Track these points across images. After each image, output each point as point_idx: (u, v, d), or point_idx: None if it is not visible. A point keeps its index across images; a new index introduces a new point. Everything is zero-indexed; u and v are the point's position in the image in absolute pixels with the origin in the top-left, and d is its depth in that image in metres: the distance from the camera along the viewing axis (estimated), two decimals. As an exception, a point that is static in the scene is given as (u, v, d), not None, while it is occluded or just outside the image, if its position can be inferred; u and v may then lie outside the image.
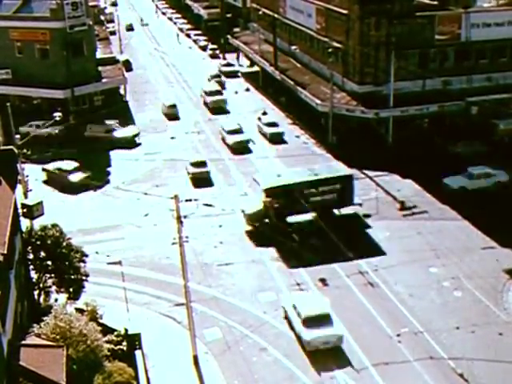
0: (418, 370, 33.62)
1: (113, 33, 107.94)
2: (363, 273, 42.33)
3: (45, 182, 57.93)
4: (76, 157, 61.74)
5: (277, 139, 65.89)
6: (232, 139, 64.28)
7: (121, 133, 67.37)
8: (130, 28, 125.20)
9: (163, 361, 35.05)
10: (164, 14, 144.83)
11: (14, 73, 72.63)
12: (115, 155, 64.16)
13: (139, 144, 66.80)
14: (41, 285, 35.15)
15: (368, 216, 49.74)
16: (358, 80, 63.13)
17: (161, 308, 39.84)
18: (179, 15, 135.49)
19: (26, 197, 45.16)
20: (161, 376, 33.97)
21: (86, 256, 36.20)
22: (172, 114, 74.37)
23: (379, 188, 54.12)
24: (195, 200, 53.00)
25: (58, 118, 53.92)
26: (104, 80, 75.66)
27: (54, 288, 35.46)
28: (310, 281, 41.77)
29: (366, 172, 56.80)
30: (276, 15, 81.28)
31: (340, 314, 38.00)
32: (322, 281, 41.85)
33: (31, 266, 34.83)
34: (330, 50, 64.01)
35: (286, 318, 37.41)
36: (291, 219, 46.72)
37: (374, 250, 44.92)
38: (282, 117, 72.88)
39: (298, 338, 35.82)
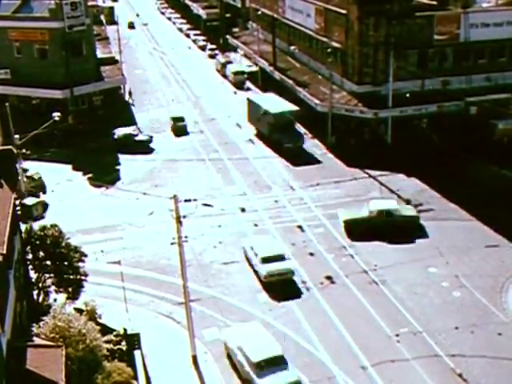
0: (417, 370, 33.63)
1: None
2: (364, 272, 42.43)
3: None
4: (75, 157, 62.05)
5: None
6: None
7: None
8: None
9: (162, 361, 35.06)
10: (163, 13, 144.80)
11: (13, 73, 72.50)
12: (114, 155, 64.23)
13: None
14: (40, 285, 35.13)
15: None
16: (357, 80, 63.16)
17: (160, 308, 39.85)
18: (178, 15, 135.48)
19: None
20: (160, 376, 33.99)
21: (85, 256, 36.18)
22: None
23: (383, 187, 54.24)
24: (194, 200, 53.01)
25: (56, 119, 53.91)
26: (105, 80, 75.65)
27: (53, 288, 35.46)
28: (310, 280, 41.85)
29: (368, 171, 57.02)
30: (275, 15, 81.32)
31: (339, 313, 38.15)
32: (329, 278, 41.99)
33: (30, 266, 34.84)
34: (329, 49, 64.08)
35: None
36: None
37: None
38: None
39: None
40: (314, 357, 35.04)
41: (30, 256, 34.66)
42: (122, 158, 63.18)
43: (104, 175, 57.64)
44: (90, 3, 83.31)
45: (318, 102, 64.22)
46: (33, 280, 35.05)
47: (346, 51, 63.78)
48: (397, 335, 36.43)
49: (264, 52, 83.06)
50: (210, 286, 41.77)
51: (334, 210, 50.59)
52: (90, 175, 58.01)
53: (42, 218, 47.73)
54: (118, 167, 61.24)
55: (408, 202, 50.99)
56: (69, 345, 28.67)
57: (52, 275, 34.96)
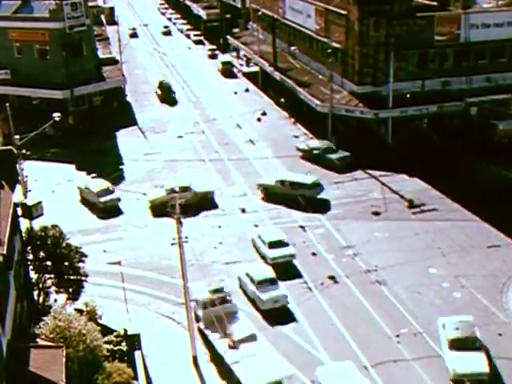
0: (418, 371, 33.62)
1: None
2: (365, 272, 42.41)
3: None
4: (74, 157, 62.02)
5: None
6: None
7: None
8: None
9: (163, 361, 35.02)
10: (163, 14, 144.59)
11: (13, 73, 72.59)
12: (114, 156, 64.22)
13: None
14: (40, 285, 35.14)
15: (377, 214, 49.89)
16: (357, 80, 63.13)
17: (160, 308, 39.82)
18: (178, 15, 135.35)
19: (25, 197, 45.14)
20: (160, 376, 33.96)
21: (86, 256, 36.18)
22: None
23: (385, 187, 54.23)
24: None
25: (57, 119, 53.85)
26: (106, 80, 75.63)
27: (53, 288, 35.45)
28: (310, 281, 41.84)
29: (369, 172, 57.00)
30: (275, 16, 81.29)
31: (339, 313, 38.14)
32: (332, 278, 42.00)
33: (31, 267, 34.82)
34: (329, 50, 64.04)
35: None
36: None
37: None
38: (283, 117, 72.92)
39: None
40: (314, 357, 35.03)
41: (30, 256, 34.67)
42: (121, 158, 63.26)
43: (107, 175, 57.56)
44: (90, 3, 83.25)
45: (318, 102, 64.19)
46: (33, 280, 35.06)
47: (347, 52, 63.73)
48: (397, 336, 36.41)
49: (264, 52, 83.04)
50: (211, 286, 41.63)
51: (334, 211, 50.67)
52: (94, 175, 57.91)
53: None
54: (121, 167, 61.28)
55: (411, 201, 51.02)
56: (69, 345, 28.68)
57: (52, 276, 34.98)
